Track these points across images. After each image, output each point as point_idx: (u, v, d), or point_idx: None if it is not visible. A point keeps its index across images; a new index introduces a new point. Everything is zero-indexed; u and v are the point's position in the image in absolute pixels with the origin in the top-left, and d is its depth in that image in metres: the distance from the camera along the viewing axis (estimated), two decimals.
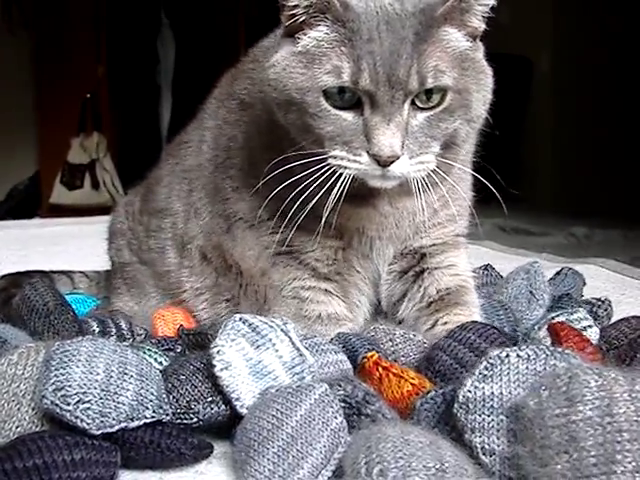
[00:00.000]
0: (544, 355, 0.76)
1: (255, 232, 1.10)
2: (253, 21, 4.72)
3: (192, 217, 1.19)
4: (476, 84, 0.97)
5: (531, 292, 1.19)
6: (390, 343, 0.99)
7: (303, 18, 0.94)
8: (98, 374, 0.77)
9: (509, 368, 0.75)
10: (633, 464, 0.64)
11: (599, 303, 1.25)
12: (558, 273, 1.36)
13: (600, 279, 1.65)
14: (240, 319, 0.87)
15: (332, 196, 0.95)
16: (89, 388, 0.76)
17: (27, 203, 4.90)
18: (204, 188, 1.18)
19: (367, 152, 0.92)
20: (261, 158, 1.05)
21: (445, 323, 1.08)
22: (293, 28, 0.96)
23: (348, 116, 0.93)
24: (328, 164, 0.94)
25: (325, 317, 1.09)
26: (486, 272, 1.43)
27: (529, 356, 0.75)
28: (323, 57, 0.93)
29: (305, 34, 0.95)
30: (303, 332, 1.03)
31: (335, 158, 0.94)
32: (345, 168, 0.93)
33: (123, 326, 1.11)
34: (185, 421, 0.82)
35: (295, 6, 0.94)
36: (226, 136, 1.15)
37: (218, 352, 0.82)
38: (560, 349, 0.77)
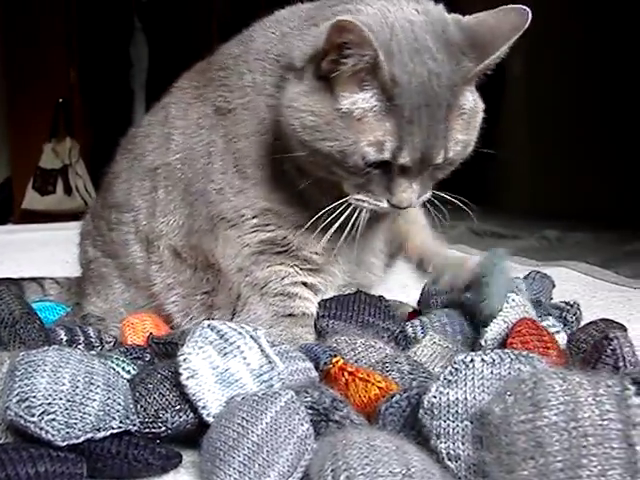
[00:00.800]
0: (509, 359, 0.76)
1: (236, 231, 1.12)
2: (226, 25, 4.71)
3: (158, 215, 1.19)
4: (475, 131, 1.05)
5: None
6: (352, 353, 0.99)
7: (348, 75, 0.96)
8: (64, 384, 0.76)
9: (474, 373, 0.75)
10: (599, 468, 0.65)
11: (568, 307, 1.26)
12: (526, 277, 1.37)
13: (571, 282, 1.66)
14: (209, 326, 0.86)
15: (349, 222, 1.04)
16: (54, 399, 0.75)
17: None
18: (175, 189, 1.18)
19: (387, 200, 1.02)
20: (250, 160, 1.09)
21: None
22: (331, 77, 0.97)
23: (376, 173, 1.00)
24: (345, 200, 1.03)
25: (304, 314, 1.13)
26: None
27: (494, 360, 0.76)
28: (367, 126, 0.96)
29: (349, 93, 0.97)
30: (282, 333, 1.08)
31: (356, 200, 1.03)
32: (364, 206, 1.03)
33: (91, 334, 1.10)
34: (153, 430, 0.82)
35: (344, 62, 0.95)
36: (203, 141, 1.15)
37: (185, 360, 0.82)
38: (525, 353, 0.78)
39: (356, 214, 1.04)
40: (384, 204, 1.03)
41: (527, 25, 0.99)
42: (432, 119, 0.97)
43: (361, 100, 0.96)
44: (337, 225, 1.04)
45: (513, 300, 1.05)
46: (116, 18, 4.92)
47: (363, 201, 1.03)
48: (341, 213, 1.03)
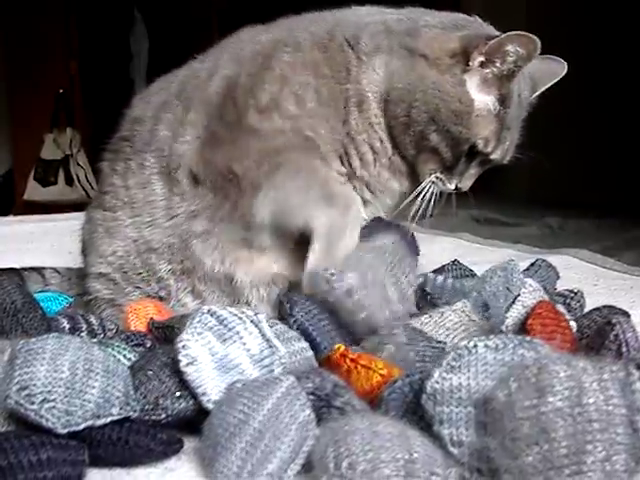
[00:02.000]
0: (512, 345, 0.75)
1: (270, 144, 1.17)
2: (225, 14, 4.70)
3: (178, 136, 1.22)
4: None
5: (508, 289, 1.19)
6: None
7: (488, 78, 1.15)
8: (63, 372, 0.76)
9: (477, 359, 0.74)
10: (603, 453, 0.64)
11: (572, 295, 1.26)
12: (532, 264, 1.36)
13: (573, 269, 1.66)
14: (208, 311, 0.86)
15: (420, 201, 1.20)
16: (54, 387, 0.74)
17: (1, 200, 4.86)
18: (203, 107, 1.22)
19: (456, 183, 1.22)
20: (313, 96, 1.18)
21: None
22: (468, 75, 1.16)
23: (464, 159, 1.19)
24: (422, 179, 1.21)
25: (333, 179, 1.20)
26: (454, 267, 1.43)
27: (497, 346, 0.75)
28: (484, 123, 1.16)
29: (483, 94, 1.16)
30: (303, 180, 1.15)
31: (435, 180, 1.20)
32: (434, 186, 1.21)
33: (93, 322, 1.10)
34: (153, 417, 0.81)
35: (497, 66, 1.14)
36: (261, 67, 1.21)
37: (183, 347, 0.81)
38: (528, 338, 0.77)
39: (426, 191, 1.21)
40: (452, 186, 1.21)
41: (563, 74, 1.26)
42: (516, 129, 1.22)
43: (489, 102, 1.16)
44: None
45: (530, 285, 1.05)
46: (116, 9, 4.91)
47: (442, 180, 1.20)
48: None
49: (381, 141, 1.20)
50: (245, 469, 0.72)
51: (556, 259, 1.82)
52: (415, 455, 0.68)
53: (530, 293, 1.03)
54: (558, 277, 1.39)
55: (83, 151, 4.81)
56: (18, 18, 4.66)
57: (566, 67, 1.24)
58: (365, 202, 1.24)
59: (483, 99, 1.16)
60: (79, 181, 4.77)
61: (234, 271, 1.20)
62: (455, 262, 1.45)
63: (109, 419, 0.77)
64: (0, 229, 2.41)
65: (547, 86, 1.26)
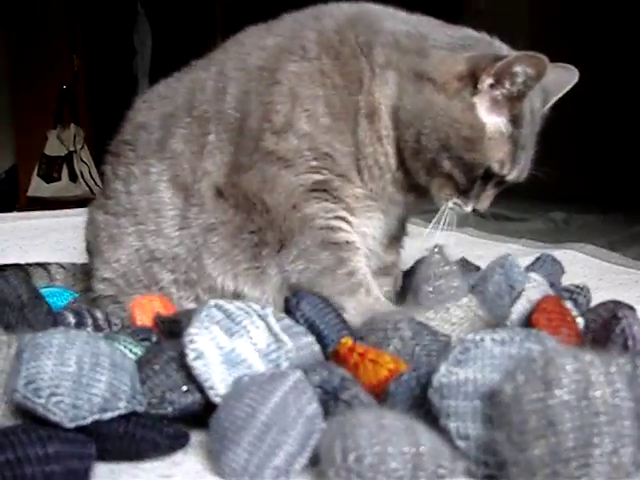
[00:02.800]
0: (519, 338, 0.75)
1: (292, 170, 1.17)
2: (230, 11, 4.70)
3: (206, 156, 1.22)
4: None
5: (510, 286, 1.19)
6: None
7: (497, 100, 1.12)
8: (70, 366, 0.76)
9: (483, 352, 0.74)
10: (610, 446, 0.65)
11: (578, 290, 1.25)
12: (537, 259, 1.36)
13: (578, 264, 1.66)
14: (215, 305, 0.86)
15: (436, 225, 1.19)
16: (61, 381, 0.74)
17: (5, 197, 4.86)
18: (225, 131, 1.21)
19: (473, 205, 1.19)
20: (325, 111, 1.17)
21: None
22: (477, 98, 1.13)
23: (479, 182, 1.17)
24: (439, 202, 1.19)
25: (347, 242, 1.19)
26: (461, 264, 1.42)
27: (504, 339, 0.75)
28: (498, 146, 1.13)
29: (494, 116, 1.13)
30: (330, 257, 1.15)
31: (452, 206, 1.18)
32: (456, 209, 1.18)
33: (99, 317, 1.10)
34: (160, 411, 0.81)
35: (506, 88, 1.11)
36: (268, 84, 1.20)
37: (190, 341, 0.81)
38: (535, 331, 0.77)
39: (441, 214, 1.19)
40: (469, 208, 1.19)
41: (575, 82, 1.22)
42: (531, 146, 1.19)
43: (500, 124, 1.13)
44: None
45: (535, 280, 1.05)
46: (119, 5, 4.91)
47: (459, 205, 1.18)
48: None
49: (386, 156, 1.18)
50: (252, 463, 0.72)
51: (561, 254, 1.81)
52: (422, 448, 0.68)
53: (535, 287, 1.03)
54: (563, 272, 1.38)
55: (87, 147, 4.82)
56: (22, 15, 4.67)
57: (577, 74, 1.21)
58: (383, 211, 1.24)
59: (494, 121, 1.13)
60: (83, 177, 4.78)
61: (243, 289, 1.21)
62: (462, 260, 1.45)
63: (116, 413, 0.77)
64: (4, 225, 2.41)
65: (559, 96, 1.23)
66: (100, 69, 4.83)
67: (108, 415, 0.76)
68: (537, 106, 1.18)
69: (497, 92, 1.12)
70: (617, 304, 1.13)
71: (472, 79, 1.12)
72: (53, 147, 4.78)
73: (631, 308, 1.10)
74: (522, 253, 1.84)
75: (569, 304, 1.13)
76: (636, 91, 3.37)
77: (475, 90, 1.12)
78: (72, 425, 0.74)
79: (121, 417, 0.77)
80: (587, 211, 2.91)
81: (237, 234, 1.20)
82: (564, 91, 1.23)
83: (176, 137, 1.25)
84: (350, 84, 1.17)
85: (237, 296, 1.20)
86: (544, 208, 2.96)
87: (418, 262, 1.26)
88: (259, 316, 0.86)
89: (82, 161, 4.80)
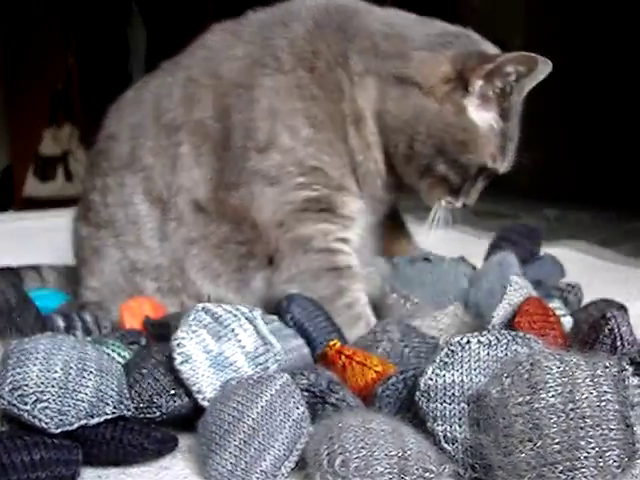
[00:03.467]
0: (505, 340, 0.75)
1: (278, 187, 1.15)
2: (224, 10, 4.68)
3: (179, 170, 1.19)
4: None
5: (504, 286, 1.18)
6: None
7: (488, 97, 1.12)
8: (56, 372, 0.76)
9: (470, 355, 0.74)
10: (596, 450, 0.65)
11: (569, 289, 1.25)
12: (539, 258, 1.35)
13: (571, 262, 1.65)
14: (203, 309, 0.86)
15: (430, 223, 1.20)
16: (46, 386, 0.74)
17: (0, 197, 4.85)
18: (204, 143, 1.18)
19: (463, 201, 1.19)
20: (305, 122, 1.15)
21: None
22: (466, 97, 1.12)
23: (471, 178, 1.17)
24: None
25: (348, 266, 1.16)
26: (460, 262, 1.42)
27: (490, 342, 0.75)
28: (490, 142, 1.14)
29: (484, 112, 1.13)
30: (328, 286, 1.12)
31: (447, 202, 1.18)
32: (444, 210, 1.19)
33: (88, 320, 1.10)
34: (148, 415, 0.81)
35: (498, 86, 1.12)
36: (242, 99, 1.18)
37: (178, 345, 0.81)
38: (522, 334, 0.77)
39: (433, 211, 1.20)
40: (459, 204, 1.20)
41: (548, 73, 1.16)
42: (517, 136, 1.19)
43: (491, 120, 1.13)
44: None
45: (516, 282, 1.05)
46: (113, 3, 4.89)
47: (450, 203, 1.19)
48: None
49: (375, 162, 1.17)
50: (239, 466, 0.72)
51: (553, 251, 1.81)
52: (408, 452, 0.68)
53: (516, 291, 1.01)
54: (564, 275, 1.38)
55: (82, 146, 4.80)
56: (15, 14, 4.65)
57: (550, 65, 1.16)
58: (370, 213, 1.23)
59: (485, 118, 1.13)
60: (78, 177, 4.76)
61: (226, 295, 1.20)
62: (460, 258, 1.45)
63: (103, 418, 0.77)
64: None
65: (532, 85, 1.18)
66: (94, 68, 4.81)
67: (95, 420, 0.76)
68: (520, 96, 1.17)
69: (488, 91, 1.12)
70: (608, 303, 1.13)
71: (461, 81, 1.11)
72: (48, 147, 4.76)
73: (621, 307, 1.10)
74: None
75: (558, 303, 1.13)
76: (630, 89, 3.37)
77: (465, 92, 1.11)
78: (58, 431, 0.73)
79: (108, 422, 0.77)
80: (580, 208, 2.91)
81: (221, 245, 1.18)
82: (537, 81, 1.19)
83: (144, 149, 1.22)
84: (330, 93, 1.15)
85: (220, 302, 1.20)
86: (537, 205, 2.96)
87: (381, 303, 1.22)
88: (247, 319, 0.86)
89: (77, 161, 4.78)
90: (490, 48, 1.17)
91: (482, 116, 1.13)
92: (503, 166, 1.18)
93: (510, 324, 0.95)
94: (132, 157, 1.23)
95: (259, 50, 1.19)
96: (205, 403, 0.80)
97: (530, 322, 0.94)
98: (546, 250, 1.77)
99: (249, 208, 1.16)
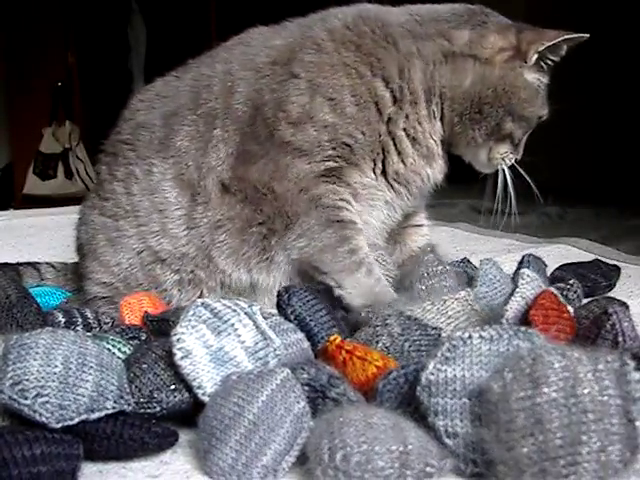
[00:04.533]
0: (507, 335, 0.75)
1: (307, 158, 1.20)
2: (224, 5, 4.68)
3: (209, 150, 1.23)
4: None
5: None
6: None
7: (540, 61, 1.25)
8: (56, 366, 0.75)
9: (471, 350, 0.74)
10: (598, 444, 0.65)
11: (568, 286, 1.25)
12: (521, 262, 1.35)
13: (572, 259, 1.65)
14: (202, 304, 0.86)
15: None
16: (47, 381, 0.74)
17: (0, 195, 4.85)
18: (233, 124, 1.23)
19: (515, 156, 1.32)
20: (351, 100, 1.20)
21: None
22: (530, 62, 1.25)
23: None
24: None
25: (352, 222, 1.22)
26: (462, 265, 1.42)
27: (492, 337, 0.75)
28: (541, 96, 1.28)
29: (538, 74, 1.26)
30: (333, 235, 1.18)
31: (510, 159, 1.30)
32: (510, 160, 1.30)
33: (89, 316, 1.10)
34: (148, 410, 0.81)
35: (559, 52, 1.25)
36: (282, 76, 1.22)
37: (178, 340, 0.81)
38: (523, 328, 0.77)
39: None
40: (519, 156, 1.33)
41: None
42: None
43: (541, 77, 1.27)
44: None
45: (528, 275, 1.05)
46: (113, 1, 4.89)
47: (511, 157, 1.30)
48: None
49: (423, 132, 1.25)
50: (239, 461, 0.72)
51: (555, 248, 1.82)
52: (409, 447, 0.68)
53: (528, 284, 1.02)
54: (546, 265, 1.38)
55: (82, 144, 4.81)
56: (15, 13, 4.65)
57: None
58: (387, 202, 1.28)
59: (536, 77, 1.26)
60: (79, 174, 4.77)
61: (257, 279, 1.23)
62: (464, 260, 1.44)
63: (103, 413, 0.76)
64: None
65: None
66: (95, 66, 4.81)
67: (95, 415, 0.76)
68: None
69: (540, 61, 1.25)
70: (610, 301, 1.13)
71: (519, 52, 1.23)
72: (48, 144, 4.77)
73: (623, 304, 1.10)
74: (516, 248, 1.84)
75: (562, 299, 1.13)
76: (632, 86, 3.37)
77: (522, 62, 1.24)
78: (59, 426, 0.73)
79: (109, 417, 0.77)
80: (581, 206, 2.91)
81: (245, 228, 1.21)
82: None
83: (180, 135, 1.25)
84: (383, 70, 1.21)
85: (253, 287, 1.23)
86: (538, 202, 2.95)
87: (411, 260, 1.28)
88: (246, 314, 0.85)
89: (78, 158, 4.79)
90: (508, 21, 1.30)
91: (534, 76, 1.25)
92: (547, 115, 1.31)
93: (524, 317, 0.95)
94: (165, 144, 1.26)
95: (298, 40, 1.25)
96: (205, 398, 0.80)
97: (545, 316, 0.93)
98: (547, 247, 1.78)
99: (272, 179, 1.20)
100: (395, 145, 1.24)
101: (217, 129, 1.23)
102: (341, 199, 1.22)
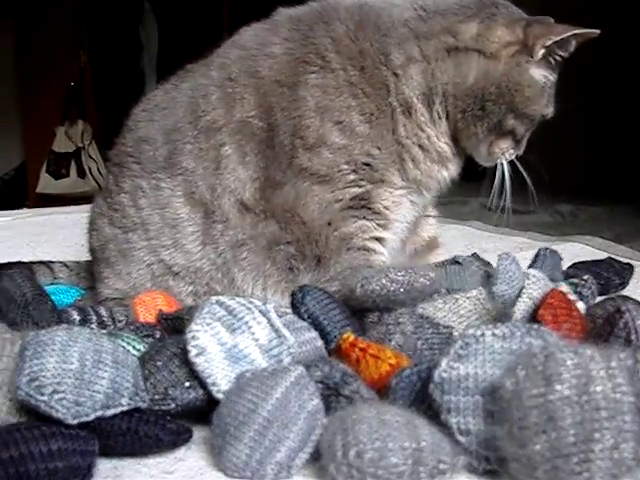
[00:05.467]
0: (519, 333, 0.75)
1: (328, 186, 1.18)
2: (236, 4, 4.69)
3: (223, 171, 1.20)
4: None
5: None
6: None
7: (550, 59, 1.21)
8: (72, 363, 0.76)
9: (484, 347, 0.74)
10: (611, 442, 0.65)
11: (582, 282, 1.24)
12: (537, 255, 1.35)
13: (585, 257, 1.64)
14: (217, 302, 0.86)
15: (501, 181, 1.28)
16: (63, 378, 0.75)
17: (14, 194, 4.88)
18: (248, 143, 1.20)
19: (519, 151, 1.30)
20: (360, 118, 1.18)
21: None
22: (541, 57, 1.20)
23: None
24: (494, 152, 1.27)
25: (384, 264, 1.20)
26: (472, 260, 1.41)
27: (504, 334, 0.75)
28: (548, 94, 1.24)
29: (543, 70, 1.22)
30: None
31: (511, 154, 1.27)
32: (512, 157, 1.28)
33: (103, 314, 1.10)
34: (163, 407, 0.81)
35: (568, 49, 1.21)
36: (291, 99, 1.19)
37: (193, 337, 0.82)
38: (536, 326, 0.77)
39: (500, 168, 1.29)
40: (520, 153, 1.30)
41: None
42: None
43: (547, 74, 1.22)
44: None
45: (534, 276, 1.04)
46: (125, 1, 4.91)
47: (512, 153, 1.28)
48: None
49: (428, 138, 1.22)
50: (254, 458, 0.72)
51: (568, 247, 1.81)
52: (423, 444, 0.68)
53: (535, 284, 1.02)
54: (561, 259, 1.37)
55: (95, 143, 4.82)
56: (28, 11, 4.67)
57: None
58: (412, 202, 1.27)
59: (543, 74, 1.22)
60: (91, 173, 4.79)
61: (273, 298, 1.20)
62: (474, 255, 1.45)
63: (119, 409, 0.77)
64: (12, 222, 2.42)
65: None
66: (107, 65, 4.83)
67: (111, 412, 0.76)
68: None
69: (548, 56, 1.20)
70: (624, 299, 1.13)
71: (523, 45, 1.19)
72: (61, 144, 4.79)
73: (637, 302, 1.09)
74: (528, 246, 1.84)
75: (574, 297, 1.13)
76: None
77: (529, 57, 1.20)
78: (75, 422, 0.74)
79: (124, 413, 0.77)
80: (594, 203, 2.90)
81: (271, 246, 1.20)
82: None
83: (184, 154, 1.22)
84: (379, 90, 1.19)
85: None
86: (551, 200, 2.95)
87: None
88: (261, 312, 0.86)
89: (90, 157, 4.81)
90: (519, 12, 1.26)
91: (541, 73, 1.21)
92: (551, 112, 1.28)
93: (533, 317, 0.95)
94: (170, 161, 1.23)
95: (300, 48, 1.21)
96: (220, 395, 0.80)
97: (553, 315, 0.93)
98: (560, 246, 1.77)
99: (295, 206, 1.18)
100: (408, 153, 1.22)
101: (226, 146, 1.20)
102: (371, 238, 1.21)
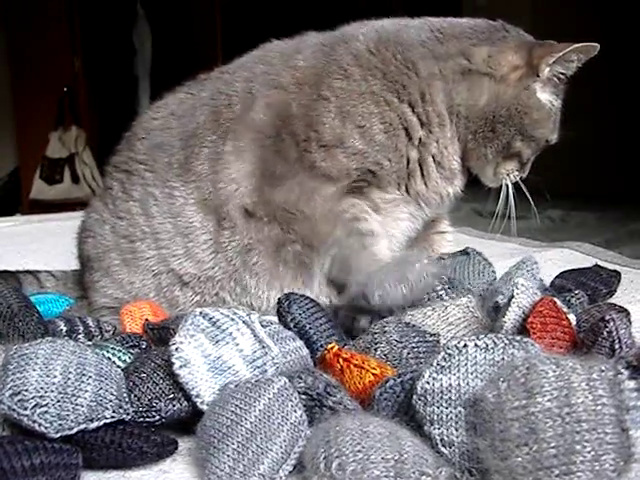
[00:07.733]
0: (502, 344, 0.75)
1: (334, 184, 1.22)
2: (230, 10, 4.69)
3: (222, 169, 1.21)
4: None
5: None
6: None
7: (554, 80, 1.26)
8: (55, 377, 0.76)
9: (467, 359, 0.74)
10: (592, 454, 0.64)
11: (572, 295, 1.24)
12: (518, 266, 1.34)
13: (575, 263, 1.65)
14: (200, 313, 0.86)
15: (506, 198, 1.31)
16: (46, 391, 0.74)
17: (7, 200, 4.87)
18: (246, 134, 1.22)
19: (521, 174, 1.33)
20: (380, 127, 1.21)
21: None
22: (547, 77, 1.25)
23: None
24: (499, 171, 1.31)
25: (372, 231, 1.23)
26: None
27: (487, 346, 0.75)
28: (553, 118, 1.29)
29: (547, 94, 1.26)
30: (356, 246, 1.19)
31: (515, 177, 1.31)
32: (516, 179, 1.32)
33: (91, 324, 1.10)
34: (147, 419, 0.81)
35: (569, 69, 1.26)
36: (312, 96, 1.22)
37: (176, 349, 0.82)
38: (519, 337, 0.77)
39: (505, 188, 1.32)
40: (524, 175, 1.34)
41: None
42: None
43: (552, 99, 1.27)
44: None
45: (523, 285, 1.04)
46: (119, 5, 4.91)
47: (516, 174, 1.31)
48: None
49: (449, 155, 1.26)
50: (237, 470, 0.72)
51: (558, 252, 1.81)
52: (405, 455, 0.68)
53: (523, 293, 1.02)
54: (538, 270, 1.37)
55: (88, 149, 4.82)
56: (21, 16, 4.67)
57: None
58: (410, 214, 1.30)
59: (548, 97, 1.26)
60: (85, 179, 4.79)
61: None
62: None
63: (102, 422, 0.77)
64: (3, 229, 2.42)
65: None
66: (101, 70, 4.83)
67: (94, 424, 0.76)
68: None
69: (552, 75, 1.25)
70: (611, 307, 1.13)
71: (530, 68, 1.24)
72: (55, 149, 4.79)
73: (622, 310, 1.09)
74: (519, 252, 1.84)
75: (565, 309, 1.12)
76: (636, 89, 3.37)
77: (535, 78, 1.24)
78: (58, 435, 0.74)
79: (108, 426, 0.77)
80: (584, 209, 2.90)
81: (279, 248, 1.21)
82: None
83: (200, 158, 1.23)
84: (409, 96, 1.22)
85: None
86: (541, 206, 2.95)
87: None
88: (244, 323, 0.86)
89: (84, 163, 4.81)
90: (529, 37, 1.30)
91: (546, 97, 1.26)
92: (555, 138, 1.32)
93: (522, 326, 0.95)
94: (185, 166, 1.24)
95: (323, 62, 1.24)
96: (204, 407, 0.80)
97: (542, 323, 0.93)
98: (550, 251, 1.77)
99: (298, 201, 1.20)
100: (421, 169, 1.25)
101: (227, 144, 1.21)
102: (362, 211, 1.23)
